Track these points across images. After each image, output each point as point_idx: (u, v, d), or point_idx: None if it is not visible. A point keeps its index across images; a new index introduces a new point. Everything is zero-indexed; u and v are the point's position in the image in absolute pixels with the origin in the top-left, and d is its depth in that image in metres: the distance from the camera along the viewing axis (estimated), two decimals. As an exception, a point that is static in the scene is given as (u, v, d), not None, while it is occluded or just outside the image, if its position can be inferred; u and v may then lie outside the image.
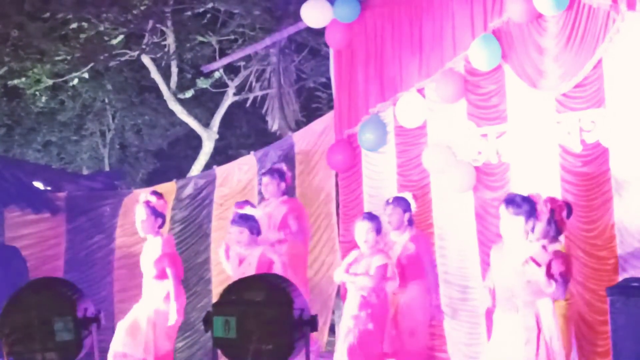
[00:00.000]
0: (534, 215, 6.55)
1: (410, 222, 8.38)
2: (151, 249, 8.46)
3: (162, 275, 8.31)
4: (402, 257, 8.20)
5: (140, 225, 8.48)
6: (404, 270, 8.12)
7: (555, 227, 7.19)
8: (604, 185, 7.87)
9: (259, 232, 8.35)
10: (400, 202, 8.38)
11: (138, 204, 8.56)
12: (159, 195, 8.69)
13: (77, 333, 5.13)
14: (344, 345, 7.70)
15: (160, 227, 8.59)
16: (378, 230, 7.89)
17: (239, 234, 8.23)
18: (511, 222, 6.56)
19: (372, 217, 8.00)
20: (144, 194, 8.73)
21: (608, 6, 7.64)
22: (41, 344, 5.05)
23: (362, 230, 7.85)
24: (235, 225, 8.28)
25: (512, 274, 6.50)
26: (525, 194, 6.69)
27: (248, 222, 8.29)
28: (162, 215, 8.59)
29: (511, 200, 6.59)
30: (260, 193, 10.52)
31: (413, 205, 8.49)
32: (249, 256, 8.19)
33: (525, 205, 6.52)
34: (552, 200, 7.23)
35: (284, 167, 9.55)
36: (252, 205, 9.28)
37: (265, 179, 9.31)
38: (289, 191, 9.67)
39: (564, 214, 7.28)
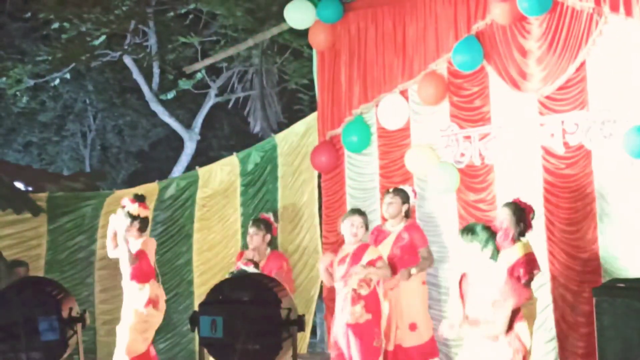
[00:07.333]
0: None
1: (407, 215, 8.36)
2: None
3: None
4: (395, 247, 8.18)
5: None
6: (397, 260, 8.09)
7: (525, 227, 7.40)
8: (586, 187, 7.91)
9: None
10: (400, 193, 8.35)
11: None
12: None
13: (62, 333, 5.12)
14: (343, 340, 7.63)
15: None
16: (367, 226, 7.82)
17: None
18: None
19: (363, 212, 7.93)
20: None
21: (591, 8, 7.68)
22: (26, 343, 5.02)
23: (354, 223, 7.77)
24: None
25: None
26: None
27: None
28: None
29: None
30: (241, 195, 10.51)
31: (412, 199, 8.45)
32: None
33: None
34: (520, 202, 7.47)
35: (271, 217, 9.26)
36: (257, 267, 8.90)
37: (252, 230, 8.83)
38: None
39: (531, 215, 7.46)
